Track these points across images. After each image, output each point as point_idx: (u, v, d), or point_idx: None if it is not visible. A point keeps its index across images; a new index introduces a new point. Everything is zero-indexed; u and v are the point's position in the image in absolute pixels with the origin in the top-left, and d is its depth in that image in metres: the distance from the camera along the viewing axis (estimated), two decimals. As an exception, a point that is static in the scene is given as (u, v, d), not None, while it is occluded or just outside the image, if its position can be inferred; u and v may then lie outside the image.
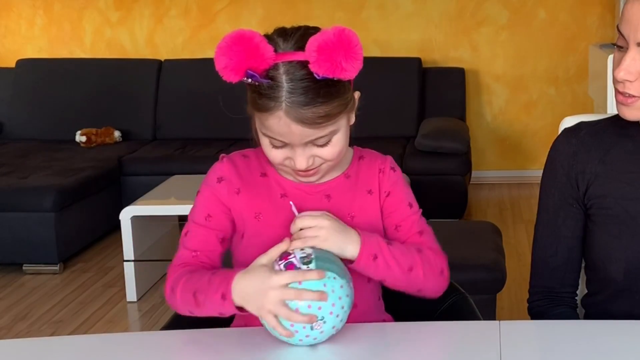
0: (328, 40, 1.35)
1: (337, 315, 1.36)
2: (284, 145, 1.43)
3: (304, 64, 1.37)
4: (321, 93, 1.38)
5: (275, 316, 1.35)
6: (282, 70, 1.37)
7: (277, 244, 1.42)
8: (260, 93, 1.38)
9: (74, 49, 5.96)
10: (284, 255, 1.39)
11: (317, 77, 1.36)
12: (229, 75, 1.36)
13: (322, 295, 1.34)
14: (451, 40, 5.74)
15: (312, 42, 1.36)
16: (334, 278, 1.36)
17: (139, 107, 5.60)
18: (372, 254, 1.46)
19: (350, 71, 1.36)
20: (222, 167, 1.55)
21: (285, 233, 1.47)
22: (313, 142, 1.42)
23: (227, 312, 1.41)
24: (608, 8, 5.53)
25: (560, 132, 1.72)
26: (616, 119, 1.58)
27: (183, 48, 5.87)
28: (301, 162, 1.43)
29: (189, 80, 5.56)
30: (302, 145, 1.42)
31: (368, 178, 1.56)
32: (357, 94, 1.49)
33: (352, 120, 1.49)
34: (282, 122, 1.38)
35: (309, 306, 1.33)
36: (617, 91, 1.51)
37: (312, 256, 1.38)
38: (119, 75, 5.66)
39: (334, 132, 1.43)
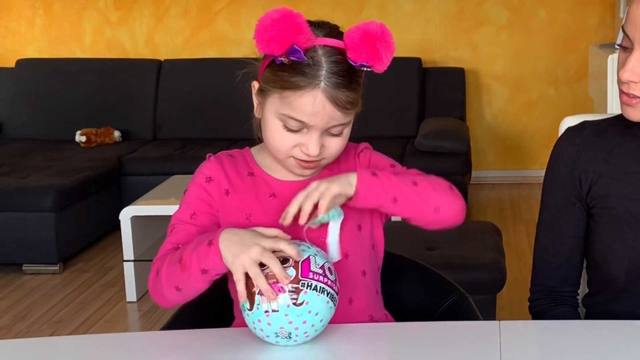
0: (373, 31, 1.41)
1: (313, 325, 1.35)
2: (300, 129, 1.44)
3: (340, 51, 1.43)
4: (354, 79, 1.44)
5: (245, 274, 1.34)
6: (320, 52, 1.42)
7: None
8: (297, 71, 1.41)
9: (74, 49, 5.96)
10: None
11: (354, 65, 1.42)
12: (274, 48, 1.39)
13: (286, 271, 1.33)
14: (451, 40, 5.74)
15: (355, 30, 1.42)
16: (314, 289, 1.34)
17: (139, 107, 5.60)
18: (371, 172, 1.47)
19: (385, 62, 1.43)
20: (210, 166, 1.55)
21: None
22: (329, 131, 1.45)
23: (210, 263, 1.38)
24: (608, 8, 5.54)
25: (561, 131, 1.72)
26: (620, 118, 1.58)
27: (183, 48, 5.87)
28: (314, 147, 1.45)
29: (189, 80, 5.56)
30: (320, 131, 1.44)
31: (347, 167, 1.56)
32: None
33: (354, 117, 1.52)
34: (318, 101, 1.41)
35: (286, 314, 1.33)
36: (621, 92, 1.51)
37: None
38: (119, 75, 5.66)
39: (349, 123, 1.48)
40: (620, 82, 1.50)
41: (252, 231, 1.39)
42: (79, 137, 5.32)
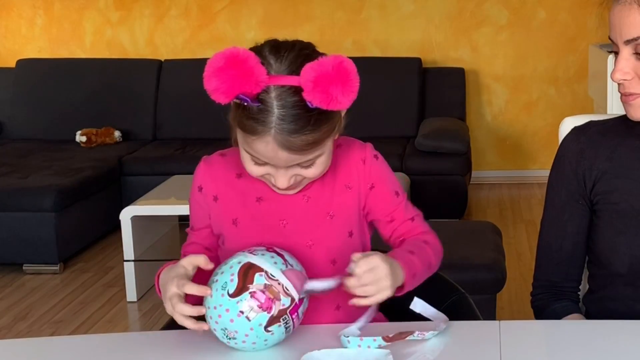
0: (326, 73, 1.31)
1: (253, 343, 1.37)
2: (266, 163, 1.41)
3: (297, 90, 1.33)
4: (311, 121, 1.34)
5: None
6: (273, 94, 1.33)
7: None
8: (248, 116, 1.34)
9: (74, 49, 5.96)
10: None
11: (310, 106, 1.33)
12: (219, 97, 1.32)
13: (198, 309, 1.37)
14: (451, 40, 5.74)
15: (309, 71, 1.32)
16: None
17: (139, 107, 5.60)
18: (412, 273, 1.45)
19: (345, 103, 1.33)
20: (200, 172, 1.56)
21: (264, 238, 1.46)
22: (298, 164, 1.40)
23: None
24: (608, 8, 5.53)
25: (561, 131, 1.76)
26: (625, 118, 1.62)
27: (183, 48, 5.87)
28: (282, 182, 1.41)
29: (189, 80, 5.54)
30: (285, 168, 1.40)
31: (346, 171, 1.52)
32: (343, 111, 1.44)
33: (337, 136, 1.46)
34: (270, 147, 1.36)
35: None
36: (620, 93, 1.54)
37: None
38: (119, 75, 5.66)
39: (319, 155, 1.41)
40: (618, 85, 1.54)
41: (176, 268, 1.41)
42: (79, 137, 5.32)
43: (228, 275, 1.35)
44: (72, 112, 5.55)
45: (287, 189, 1.44)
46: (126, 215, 3.75)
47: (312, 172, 1.43)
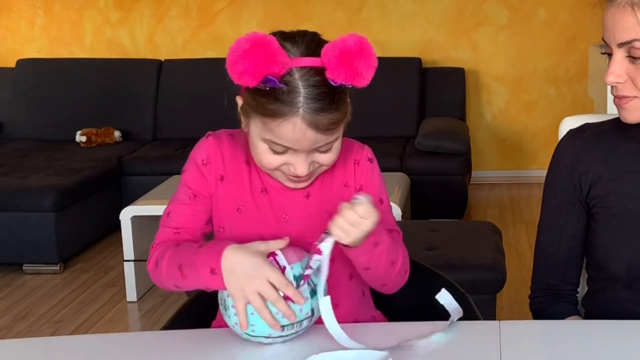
0: (349, 48, 1.35)
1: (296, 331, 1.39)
2: (285, 151, 1.41)
3: (319, 70, 1.36)
4: (335, 99, 1.37)
5: (245, 305, 1.36)
6: (297, 75, 1.35)
7: (256, 241, 1.42)
8: (275, 98, 1.35)
9: (74, 49, 5.96)
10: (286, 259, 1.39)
11: (334, 84, 1.36)
12: (247, 80, 1.33)
13: (290, 315, 1.36)
14: (451, 40, 5.74)
15: (332, 49, 1.35)
16: (307, 314, 1.39)
17: (139, 107, 5.60)
18: (375, 240, 1.44)
19: (366, 79, 1.36)
20: (207, 147, 1.52)
21: (265, 231, 1.46)
22: (317, 149, 1.41)
23: (214, 286, 1.41)
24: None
25: (561, 131, 1.76)
26: (620, 120, 1.61)
27: (183, 48, 5.87)
28: (302, 168, 1.42)
29: (189, 80, 5.56)
30: (306, 152, 1.41)
31: (344, 170, 1.54)
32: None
33: (347, 124, 1.47)
34: (298, 127, 1.36)
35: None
36: (613, 96, 1.54)
37: (309, 279, 1.38)
38: (119, 75, 5.66)
39: (336, 139, 1.43)
40: (610, 87, 1.53)
41: (255, 257, 1.37)
42: (79, 137, 5.32)
43: None
44: (72, 112, 5.55)
45: (302, 179, 1.45)
46: (126, 215, 3.75)
47: (329, 157, 1.44)
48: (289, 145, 1.39)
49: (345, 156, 1.54)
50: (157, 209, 3.83)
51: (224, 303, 1.40)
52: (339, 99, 1.38)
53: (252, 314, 1.37)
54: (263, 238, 1.44)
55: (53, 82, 5.64)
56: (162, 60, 5.72)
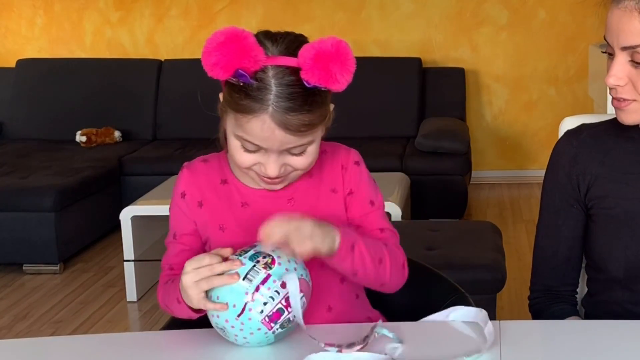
0: (326, 50, 1.34)
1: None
2: (257, 150, 1.41)
3: (294, 70, 1.35)
4: (308, 101, 1.36)
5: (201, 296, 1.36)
6: (271, 73, 1.35)
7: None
8: (246, 94, 1.36)
9: (74, 49, 5.96)
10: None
11: (308, 85, 1.35)
12: (218, 73, 1.34)
13: (230, 279, 1.34)
14: (451, 40, 5.74)
15: (308, 49, 1.35)
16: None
17: (139, 107, 5.60)
18: (350, 243, 1.43)
19: (342, 83, 1.35)
20: (182, 179, 1.55)
21: (249, 243, 1.45)
22: (288, 150, 1.41)
23: (189, 314, 1.44)
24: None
25: (561, 131, 1.75)
26: (617, 121, 1.60)
27: (183, 48, 5.87)
28: (273, 169, 1.41)
29: (189, 80, 5.54)
30: (277, 152, 1.40)
31: (331, 175, 1.53)
32: (331, 106, 1.46)
33: (323, 132, 1.47)
34: (266, 126, 1.36)
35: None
36: (612, 97, 1.54)
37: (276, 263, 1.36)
38: (119, 75, 5.66)
39: (310, 142, 1.42)
40: (609, 88, 1.53)
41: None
42: (79, 137, 5.32)
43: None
44: (72, 112, 5.55)
45: (274, 181, 1.44)
46: (126, 215, 3.75)
47: (302, 161, 1.43)
48: (258, 144, 1.39)
49: (333, 161, 1.54)
50: (157, 209, 3.83)
51: (215, 325, 1.41)
52: (313, 101, 1.37)
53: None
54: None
55: (53, 82, 5.64)
56: (162, 60, 5.72)
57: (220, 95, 1.46)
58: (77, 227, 4.44)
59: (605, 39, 1.52)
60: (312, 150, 1.43)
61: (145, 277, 3.89)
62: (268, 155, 1.41)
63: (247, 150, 1.42)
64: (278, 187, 1.48)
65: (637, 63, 1.47)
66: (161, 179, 4.34)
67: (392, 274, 1.51)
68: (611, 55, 1.52)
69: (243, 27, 1.37)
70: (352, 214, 1.54)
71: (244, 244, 1.43)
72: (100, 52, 5.92)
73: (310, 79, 1.34)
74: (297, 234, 1.36)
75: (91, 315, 3.71)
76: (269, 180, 1.45)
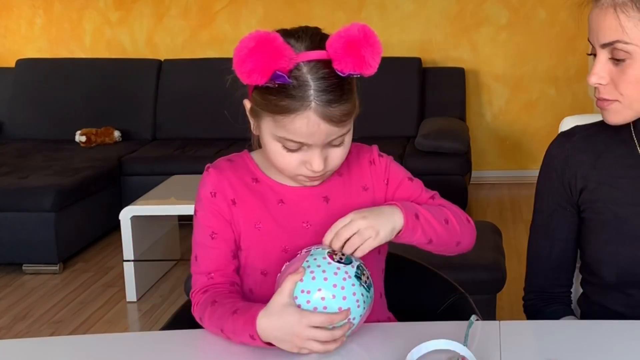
0: (354, 37, 1.35)
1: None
2: (299, 148, 1.40)
3: (326, 63, 1.36)
4: (345, 90, 1.38)
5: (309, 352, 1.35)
6: (305, 69, 1.35)
7: (278, 253, 1.43)
8: (286, 94, 1.35)
9: (74, 49, 5.96)
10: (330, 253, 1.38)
11: (342, 75, 1.36)
12: (256, 78, 1.33)
13: (342, 333, 1.34)
14: (451, 40, 5.74)
15: (337, 39, 1.35)
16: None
17: (139, 107, 5.60)
18: (414, 213, 1.45)
19: (373, 67, 1.37)
20: (211, 179, 1.51)
21: (286, 242, 1.46)
22: (330, 143, 1.42)
23: (259, 346, 1.38)
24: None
25: (560, 131, 1.74)
26: None
27: (183, 48, 5.87)
28: (319, 163, 1.41)
29: (189, 80, 5.56)
30: (320, 147, 1.40)
31: (360, 173, 1.55)
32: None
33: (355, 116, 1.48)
34: (312, 121, 1.36)
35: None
36: (596, 97, 1.53)
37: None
38: (119, 75, 5.66)
39: (348, 131, 1.44)
40: (594, 88, 1.52)
41: (285, 314, 1.33)
42: (79, 137, 5.32)
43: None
44: (72, 112, 5.55)
45: (317, 176, 1.44)
46: (126, 215, 3.75)
47: (340, 152, 1.44)
48: (303, 141, 1.39)
49: (359, 159, 1.55)
50: (156, 209, 3.84)
51: None
52: (348, 89, 1.39)
53: None
54: (286, 249, 1.46)
55: (53, 82, 5.64)
56: (162, 60, 5.72)
57: (246, 102, 1.45)
58: (77, 227, 4.43)
59: (589, 40, 1.52)
60: (348, 140, 1.45)
61: (144, 277, 3.89)
62: (312, 151, 1.41)
63: (289, 151, 1.41)
64: (317, 182, 1.49)
65: (617, 60, 1.47)
66: (161, 179, 4.34)
67: (462, 231, 1.53)
68: (595, 57, 1.52)
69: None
70: (407, 198, 1.55)
71: (280, 243, 1.45)
72: (100, 52, 5.92)
73: (344, 68, 1.35)
74: (358, 237, 1.38)
75: (91, 315, 3.70)
76: (313, 176, 1.45)
